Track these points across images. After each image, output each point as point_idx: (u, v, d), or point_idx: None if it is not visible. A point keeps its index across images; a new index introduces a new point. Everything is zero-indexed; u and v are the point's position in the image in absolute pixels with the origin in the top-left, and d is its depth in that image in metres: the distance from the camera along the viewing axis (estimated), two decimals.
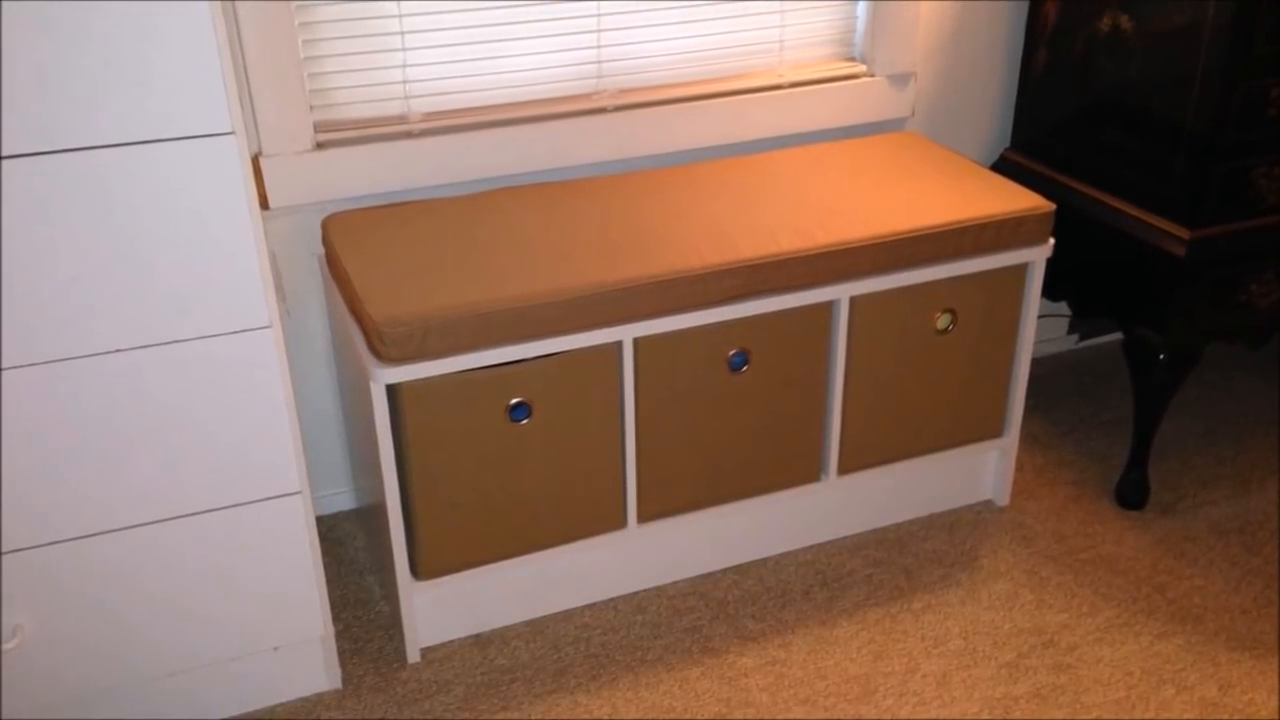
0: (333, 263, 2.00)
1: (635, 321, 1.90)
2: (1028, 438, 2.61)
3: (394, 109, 2.14)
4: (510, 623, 2.12)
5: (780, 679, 2.00)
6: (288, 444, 1.74)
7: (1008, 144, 2.64)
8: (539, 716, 1.93)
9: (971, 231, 2.06)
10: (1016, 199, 2.13)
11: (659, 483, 2.05)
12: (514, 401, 1.88)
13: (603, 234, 2.00)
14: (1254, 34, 2.01)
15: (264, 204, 2.06)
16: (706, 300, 1.93)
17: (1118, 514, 2.39)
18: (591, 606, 2.16)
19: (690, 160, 2.37)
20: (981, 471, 2.39)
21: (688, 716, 1.93)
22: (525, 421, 1.90)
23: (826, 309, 2.04)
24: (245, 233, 1.59)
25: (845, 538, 2.32)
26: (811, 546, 2.30)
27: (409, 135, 2.14)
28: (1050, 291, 2.44)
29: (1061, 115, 2.42)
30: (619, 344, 1.92)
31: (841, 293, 2.03)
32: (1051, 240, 2.16)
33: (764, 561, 2.26)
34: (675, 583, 2.21)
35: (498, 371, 1.85)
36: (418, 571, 1.96)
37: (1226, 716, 1.93)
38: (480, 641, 2.08)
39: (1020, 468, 2.51)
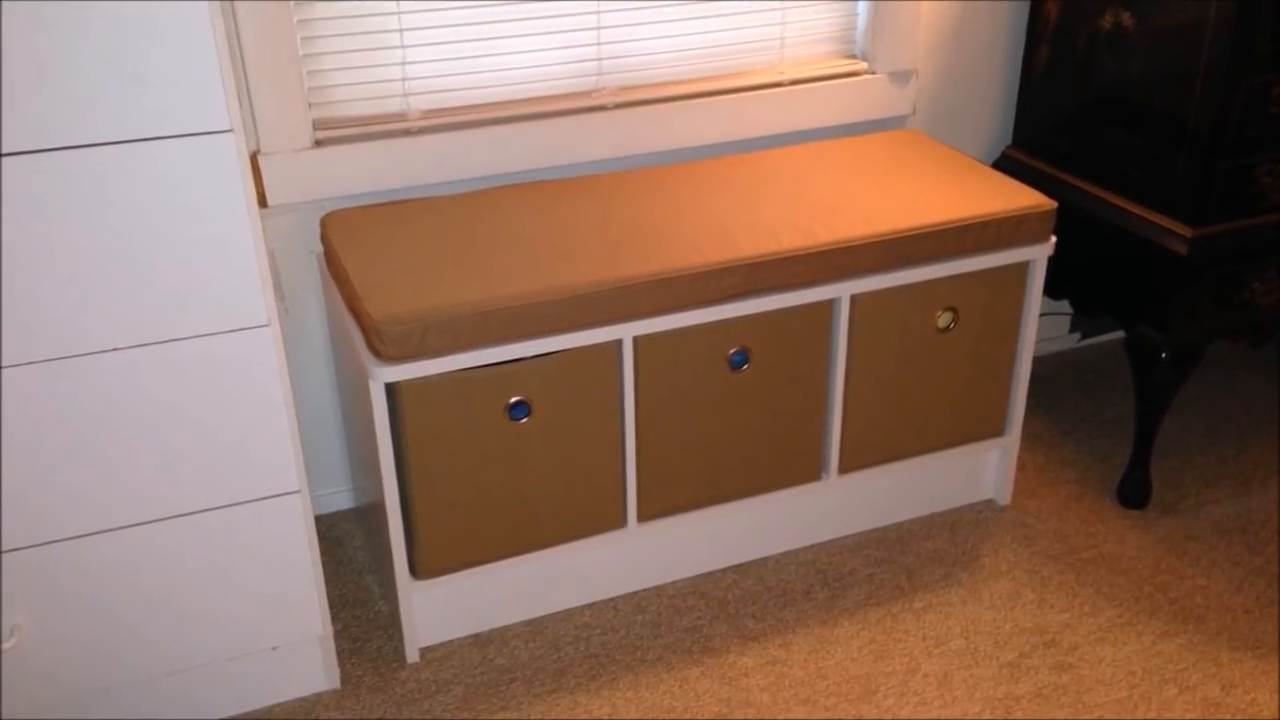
0: (331, 261, 1.99)
1: (635, 320, 1.89)
2: (1029, 437, 2.60)
3: (393, 106, 2.14)
4: (510, 622, 2.11)
5: (781, 679, 1.99)
6: (286, 443, 1.73)
7: (1009, 142, 2.63)
8: (538, 716, 1.93)
9: (973, 229, 2.06)
10: (1018, 197, 2.12)
11: (659, 482, 2.05)
12: (513, 400, 1.87)
13: (603, 232, 2.00)
14: (1256, 31, 2.00)
15: (262, 202, 2.05)
16: (707, 298, 1.92)
17: (1120, 513, 2.38)
18: (591, 606, 2.15)
19: (691, 158, 2.37)
20: (983, 471, 2.39)
21: (688, 716, 1.93)
22: (525, 420, 1.89)
23: (827, 307, 2.03)
24: (243, 231, 1.58)
25: (846, 537, 2.32)
26: (812, 546, 2.29)
27: (408, 133, 2.13)
28: (1052, 290, 2.43)
29: (1063, 113, 2.42)
30: (619, 342, 1.91)
31: (842, 291, 2.02)
32: (1053, 238, 2.15)
33: (764, 561, 2.25)
34: (675, 582, 2.21)
35: (497, 370, 1.84)
36: (417, 571, 1.95)
37: (1229, 716, 1.92)
38: (480, 641, 2.08)
39: (1022, 467, 2.50)
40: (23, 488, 1.61)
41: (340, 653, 2.04)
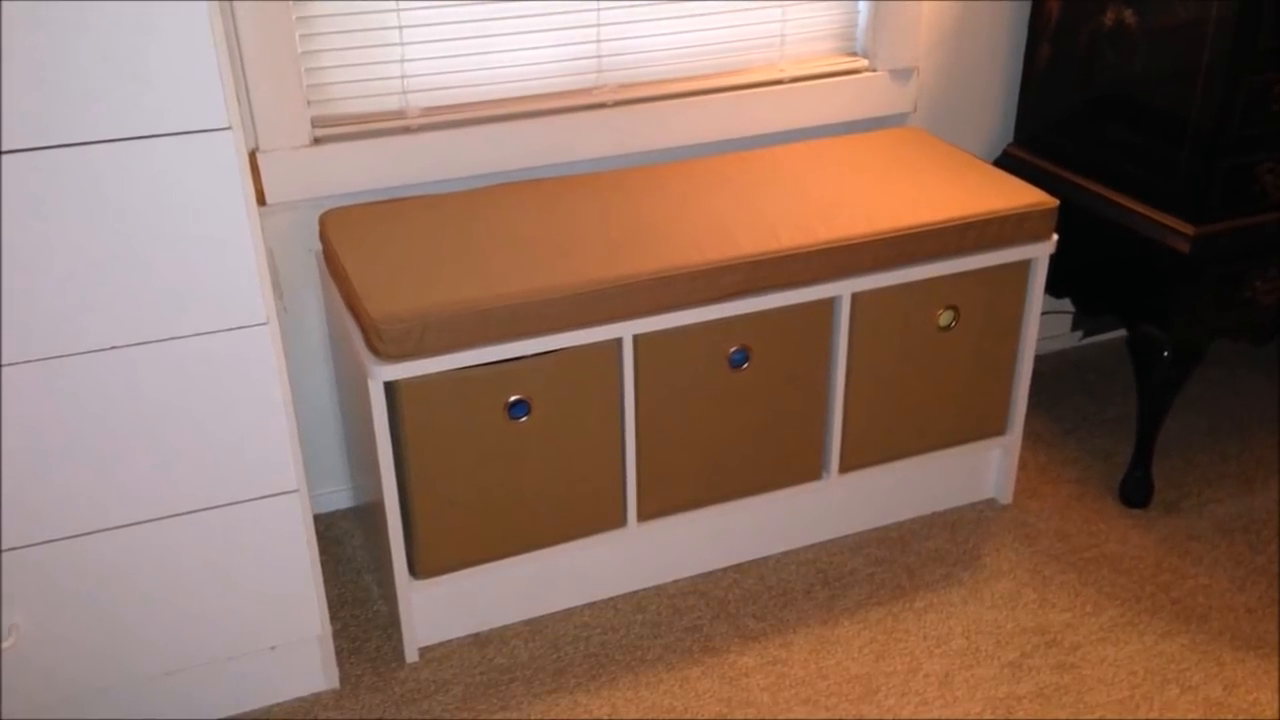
0: (330, 259, 1.98)
1: (635, 318, 1.89)
2: (1031, 435, 2.60)
3: (392, 104, 2.13)
4: (509, 622, 2.10)
5: (781, 679, 1.99)
6: (285, 441, 1.73)
7: (1011, 139, 2.63)
8: (538, 716, 1.92)
9: (974, 227, 2.05)
10: (1019, 195, 2.12)
11: (659, 481, 2.04)
12: (513, 399, 1.87)
13: (602, 230, 1.99)
14: (1258, 28, 2.00)
15: (261, 200, 2.05)
16: (707, 297, 1.92)
17: (1121, 512, 2.38)
18: (591, 606, 2.14)
19: (690, 156, 2.36)
20: (984, 470, 2.38)
21: (688, 716, 1.92)
22: (524, 419, 1.89)
23: (828, 305, 2.03)
24: (242, 229, 1.58)
25: (847, 536, 2.31)
26: (813, 545, 2.29)
27: (407, 130, 2.13)
28: (1053, 288, 2.43)
29: (1065, 110, 2.41)
30: (619, 341, 1.91)
31: (843, 289, 2.01)
32: (1055, 236, 2.14)
33: (765, 560, 2.25)
34: (675, 582, 2.20)
35: (496, 369, 1.84)
36: (416, 570, 1.95)
37: (1231, 717, 1.92)
38: (479, 641, 2.07)
39: (1023, 466, 2.50)
40: (20, 487, 1.60)
41: (339, 652, 2.04)
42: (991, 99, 2.59)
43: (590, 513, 2.02)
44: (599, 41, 2.22)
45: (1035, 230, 2.11)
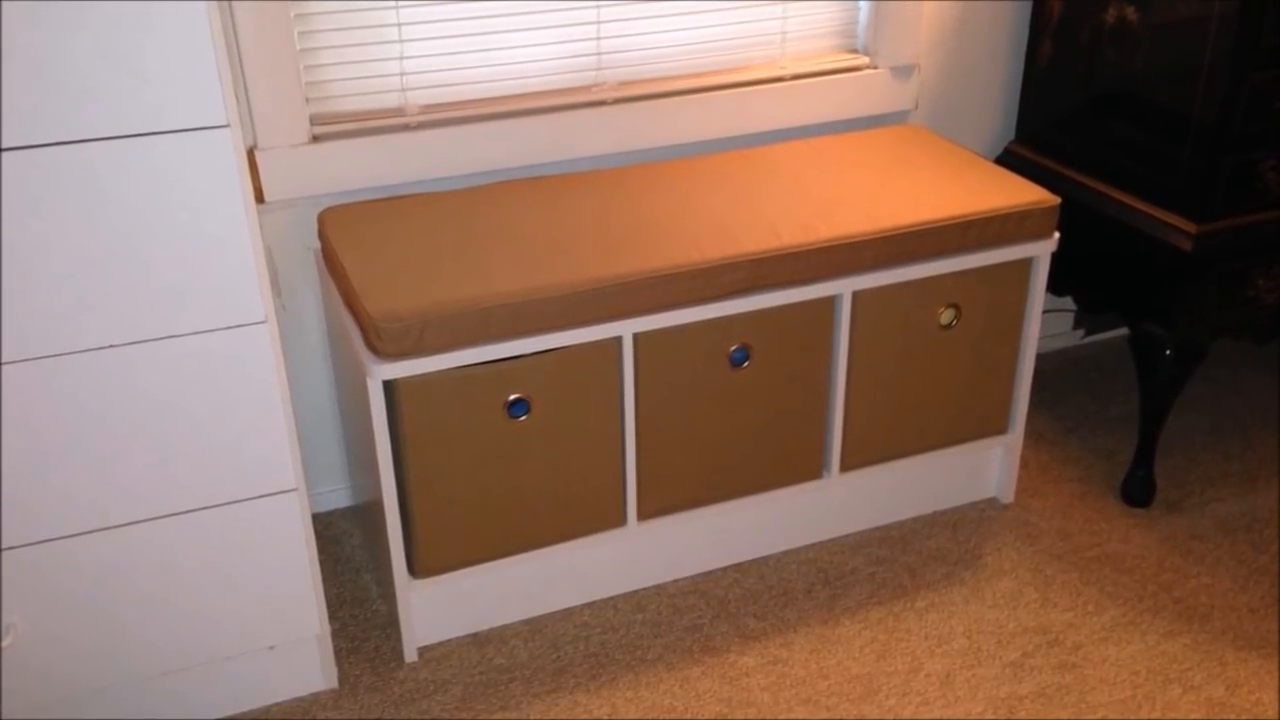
0: (329, 257, 1.98)
1: (635, 316, 1.88)
2: (1032, 434, 2.59)
3: (391, 101, 2.13)
4: (509, 621, 2.10)
5: (782, 678, 1.98)
6: (283, 440, 1.72)
7: (1012, 137, 2.62)
8: (538, 716, 1.92)
9: (976, 225, 2.05)
10: (1021, 193, 2.11)
11: (659, 480, 2.04)
12: (512, 398, 1.86)
13: (602, 228, 1.99)
14: (1261, 25, 1.99)
15: (259, 198, 2.04)
16: (707, 295, 1.91)
17: (1123, 511, 2.37)
18: (591, 605, 2.14)
19: (691, 153, 2.35)
20: (985, 469, 2.38)
21: (688, 716, 1.91)
22: (524, 418, 1.88)
23: (829, 304, 2.02)
24: (240, 227, 1.57)
25: (848, 535, 2.31)
26: (814, 544, 2.28)
27: (406, 128, 2.12)
28: (1055, 286, 2.42)
29: (1067, 108, 2.41)
30: (619, 339, 1.90)
31: (844, 287, 2.01)
32: (1056, 234, 2.14)
33: (765, 559, 2.24)
34: (676, 581, 2.20)
35: (496, 367, 1.83)
36: (415, 570, 1.94)
37: (1233, 716, 1.91)
38: (478, 640, 2.07)
39: (1025, 465, 2.49)
40: (17, 486, 1.60)
41: (338, 652, 2.03)
42: (993, 96, 2.58)
43: (590, 512, 2.01)
44: (599, 39, 2.22)
45: (1037, 228, 2.10)
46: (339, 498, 2.39)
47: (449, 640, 2.07)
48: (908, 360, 2.13)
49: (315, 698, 1.96)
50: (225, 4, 1.91)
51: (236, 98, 1.63)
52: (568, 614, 2.12)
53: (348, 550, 2.29)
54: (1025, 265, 2.15)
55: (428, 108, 2.15)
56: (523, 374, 1.86)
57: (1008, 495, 2.39)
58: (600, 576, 2.14)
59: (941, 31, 2.46)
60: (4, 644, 1.67)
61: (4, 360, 1.53)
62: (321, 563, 2.10)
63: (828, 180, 2.17)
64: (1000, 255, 2.10)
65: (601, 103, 2.24)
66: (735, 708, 1.93)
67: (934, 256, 2.05)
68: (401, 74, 2.11)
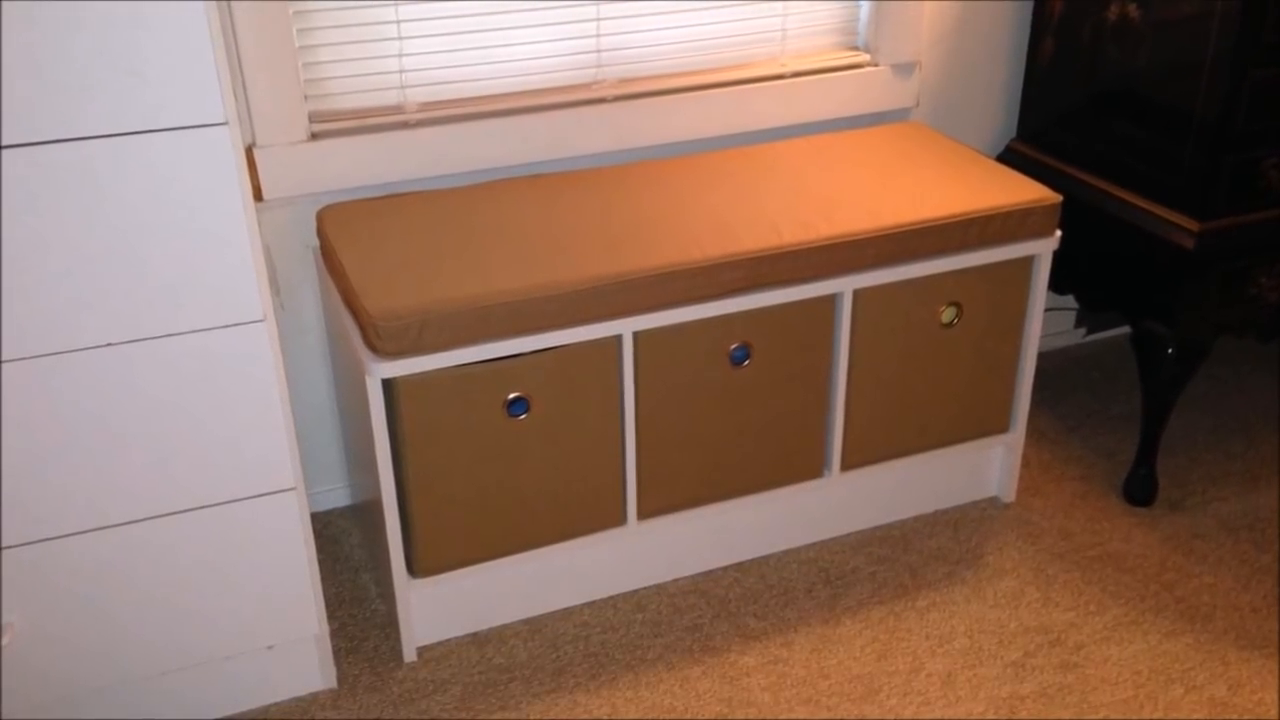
0: (328, 255, 1.97)
1: (635, 315, 1.88)
2: (1034, 433, 2.58)
3: (390, 99, 2.12)
4: (508, 621, 2.09)
5: (782, 678, 1.98)
6: (282, 439, 1.72)
7: (1014, 135, 2.61)
8: (537, 716, 1.91)
9: (977, 223, 2.04)
10: (1022, 190, 2.10)
11: (659, 479, 2.03)
12: (512, 396, 1.86)
13: (602, 226, 1.98)
14: (1264, 22, 1.98)
15: (258, 196, 2.04)
16: (707, 293, 1.91)
17: (1125, 510, 2.37)
18: (591, 605, 2.13)
19: (691, 151, 2.35)
20: (987, 468, 2.37)
21: (688, 716, 1.91)
22: (523, 417, 1.88)
23: (829, 302, 2.02)
24: (239, 225, 1.57)
25: (848, 535, 2.30)
26: (814, 544, 2.28)
27: (405, 126, 2.11)
28: (1057, 285, 2.42)
29: (1068, 105, 2.40)
30: (619, 338, 1.89)
31: (845, 286, 2.00)
32: (1058, 232, 2.13)
33: (766, 559, 2.24)
34: (676, 580, 2.19)
35: (495, 366, 1.83)
36: (414, 569, 1.94)
37: (1235, 716, 1.91)
38: (478, 640, 2.06)
39: (1026, 464, 2.49)
40: (15, 485, 1.59)
41: (337, 652, 2.03)
42: (994, 94, 2.58)
43: (590, 511, 2.01)
44: (599, 36, 2.21)
45: (1038, 226, 2.10)
46: (338, 497, 2.39)
47: (448, 640, 2.06)
48: (909, 359, 2.12)
49: (314, 697, 1.95)
50: (224, 2, 1.90)
51: (235, 95, 1.63)
52: (567, 614, 2.12)
53: (347, 549, 2.28)
54: (1027, 263, 2.14)
55: (427, 105, 2.14)
56: (522, 373, 1.85)
57: (1009, 494, 2.39)
58: (600, 576, 2.13)
59: (942, 29, 2.46)
60: (3, 643, 1.66)
61: (2, 359, 1.52)
62: (320, 562, 2.10)
63: (828, 178, 2.16)
64: (1001, 253, 2.09)
65: (601, 100, 2.24)
66: (735, 708, 1.92)
67: (935, 255, 2.04)
68: (400, 71, 2.10)
